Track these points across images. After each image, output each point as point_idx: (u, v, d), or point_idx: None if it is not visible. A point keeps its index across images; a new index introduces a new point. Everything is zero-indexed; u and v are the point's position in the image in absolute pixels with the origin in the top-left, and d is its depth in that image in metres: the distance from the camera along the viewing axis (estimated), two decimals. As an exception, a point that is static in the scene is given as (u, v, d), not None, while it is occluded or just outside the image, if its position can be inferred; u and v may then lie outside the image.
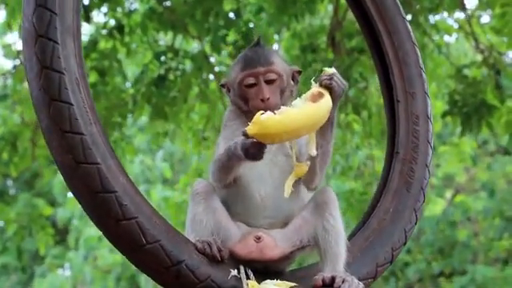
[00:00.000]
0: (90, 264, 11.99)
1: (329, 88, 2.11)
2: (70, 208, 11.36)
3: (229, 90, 2.32)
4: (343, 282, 2.03)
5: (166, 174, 11.82)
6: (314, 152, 2.11)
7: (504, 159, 11.63)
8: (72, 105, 1.94)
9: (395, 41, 2.56)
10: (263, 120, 1.99)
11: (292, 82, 2.32)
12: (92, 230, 10.83)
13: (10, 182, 12.90)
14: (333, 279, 2.05)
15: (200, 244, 2.08)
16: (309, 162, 2.15)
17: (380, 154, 6.97)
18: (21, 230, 9.21)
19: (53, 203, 12.18)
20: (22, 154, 7.52)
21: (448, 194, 12.61)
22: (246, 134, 2.01)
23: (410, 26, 2.61)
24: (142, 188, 10.72)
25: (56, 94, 1.93)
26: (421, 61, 2.60)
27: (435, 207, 11.44)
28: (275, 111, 2.03)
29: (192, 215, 2.19)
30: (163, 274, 2.03)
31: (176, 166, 12.27)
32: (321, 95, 2.09)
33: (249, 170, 2.19)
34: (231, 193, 2.23)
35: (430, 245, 11.25)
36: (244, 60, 2.26)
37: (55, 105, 1.93)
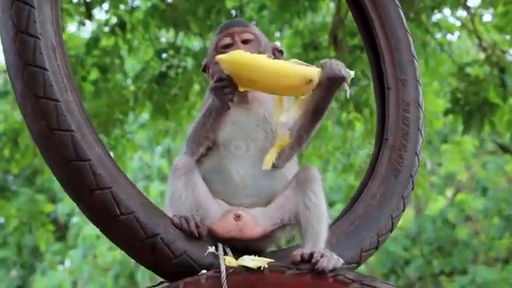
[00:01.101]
0: (89, 262, 11.97)
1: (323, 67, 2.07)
2: (70, 204, 11.35)
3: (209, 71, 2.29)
4: (322, 256, 1.96)
5: (165, 170, 11.80)
6: (282, 119, 2.07)
7: (502, 159, 11.52)
8: (47, 70, 1.91)
9: (387, 28, 2.54)
10: (234, 51, 2.07)
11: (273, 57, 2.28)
12: (91, 228, 10.77)
13: (10, 178, 12.91)
14: (311, 255, 1.99)
15: (177, 219, 2.04)
16: (289, 132, 2.10)
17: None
18: (21, 226, 9.19)
19: (53, 200, 12.19)
20: (24, 150, 7.50)
21: (449, 192, 12.49)
22: (215, 59, 2.06)
23: (402, 13, 2.57)
24: (140, 184, 10.72)
25: (31, 59, 1.91)
26: (413, 48, 2.56)
27: (436, 205, 11.34)
28: None
29: (171, 191, 2.14)
30: (138, 247, 1.99)
31: (175, 163, 12.22)
32: (309, 66, 2.06)
33: (227, 151, 2.14)
34: (211, 170, 2.18)
35: (430, 243, 11.15)
36: (220, 27, 2.27)
37: (29, 70, 1.90)
